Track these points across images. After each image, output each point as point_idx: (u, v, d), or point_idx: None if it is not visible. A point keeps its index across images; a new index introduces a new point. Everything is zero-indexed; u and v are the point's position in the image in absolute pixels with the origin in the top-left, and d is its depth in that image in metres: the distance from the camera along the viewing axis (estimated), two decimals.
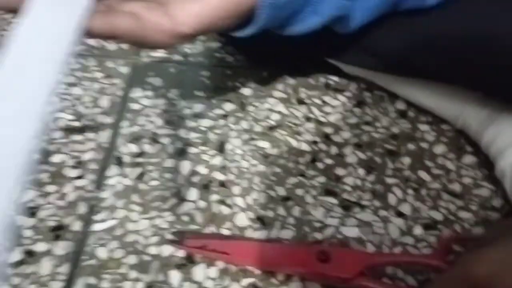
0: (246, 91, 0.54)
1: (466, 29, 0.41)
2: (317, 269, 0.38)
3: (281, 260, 0.39)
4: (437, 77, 0.46)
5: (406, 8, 0.41)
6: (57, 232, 0.42)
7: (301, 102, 0.53)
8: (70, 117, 0.50)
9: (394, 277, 0.40)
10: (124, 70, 0.55)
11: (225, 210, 0.44)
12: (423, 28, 0.43)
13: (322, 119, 0.52)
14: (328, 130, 0.51)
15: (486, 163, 0.48)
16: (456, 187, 0.47)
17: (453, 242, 0.40)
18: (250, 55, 0.57)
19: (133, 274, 0.40)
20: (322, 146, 0.49)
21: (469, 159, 0.49)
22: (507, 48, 0.39)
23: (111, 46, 0.58)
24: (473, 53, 0.41)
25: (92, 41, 0.58)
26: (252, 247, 0.40)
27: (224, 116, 0.51)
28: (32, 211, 0.43)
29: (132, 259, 0.41)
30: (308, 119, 0.52)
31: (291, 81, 0.55)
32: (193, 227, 0.43)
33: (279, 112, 0.52)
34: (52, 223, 0.42)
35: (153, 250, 0.41)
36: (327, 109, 0.53)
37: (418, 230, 0.44)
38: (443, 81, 0.47)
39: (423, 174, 0.48)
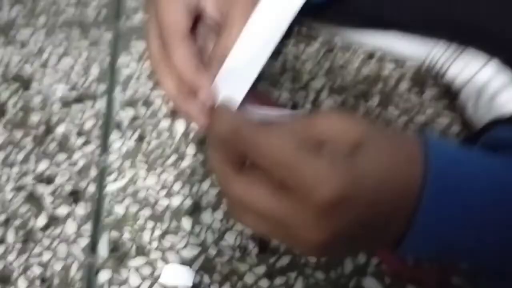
0: None
1: None
2: None
3: None
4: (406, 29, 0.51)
5: None
6: (75, 195, 0.47)
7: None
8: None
9: None
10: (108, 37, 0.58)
11: None
12: None
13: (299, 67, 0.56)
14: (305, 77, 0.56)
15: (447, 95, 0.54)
16: (420, 118, 0.53)
17: None
18: None
19: (150, 224, 0.46)
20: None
21: (431, 92, 0.55)
22: None
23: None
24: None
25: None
26: None
27: None
28: (48, 180, 0.48)
29: (147, 211, 0.46)
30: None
31: None
32: (197, 177, 0.48)
33: None
34: (69, 188, 0.47)
35: (164, 202, 0.47)
36: (303, 56, 0.57)
37: None
38: (413, 32, 0.52)
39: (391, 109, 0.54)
